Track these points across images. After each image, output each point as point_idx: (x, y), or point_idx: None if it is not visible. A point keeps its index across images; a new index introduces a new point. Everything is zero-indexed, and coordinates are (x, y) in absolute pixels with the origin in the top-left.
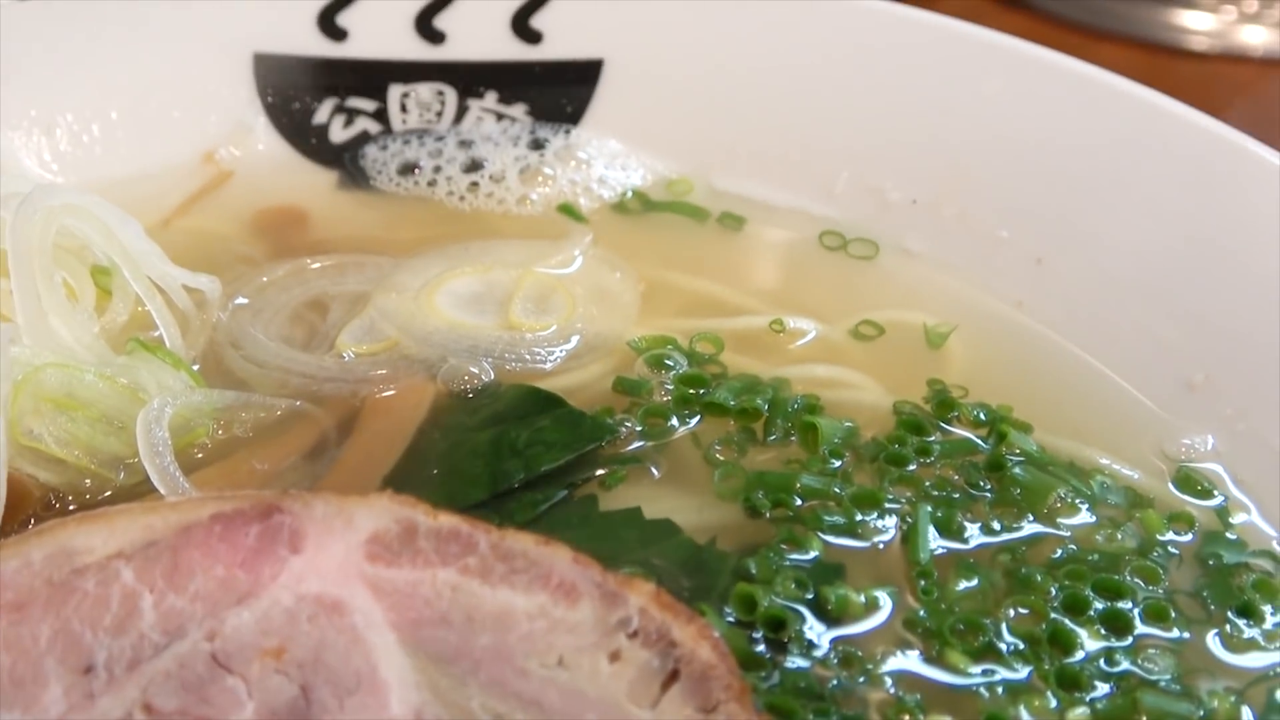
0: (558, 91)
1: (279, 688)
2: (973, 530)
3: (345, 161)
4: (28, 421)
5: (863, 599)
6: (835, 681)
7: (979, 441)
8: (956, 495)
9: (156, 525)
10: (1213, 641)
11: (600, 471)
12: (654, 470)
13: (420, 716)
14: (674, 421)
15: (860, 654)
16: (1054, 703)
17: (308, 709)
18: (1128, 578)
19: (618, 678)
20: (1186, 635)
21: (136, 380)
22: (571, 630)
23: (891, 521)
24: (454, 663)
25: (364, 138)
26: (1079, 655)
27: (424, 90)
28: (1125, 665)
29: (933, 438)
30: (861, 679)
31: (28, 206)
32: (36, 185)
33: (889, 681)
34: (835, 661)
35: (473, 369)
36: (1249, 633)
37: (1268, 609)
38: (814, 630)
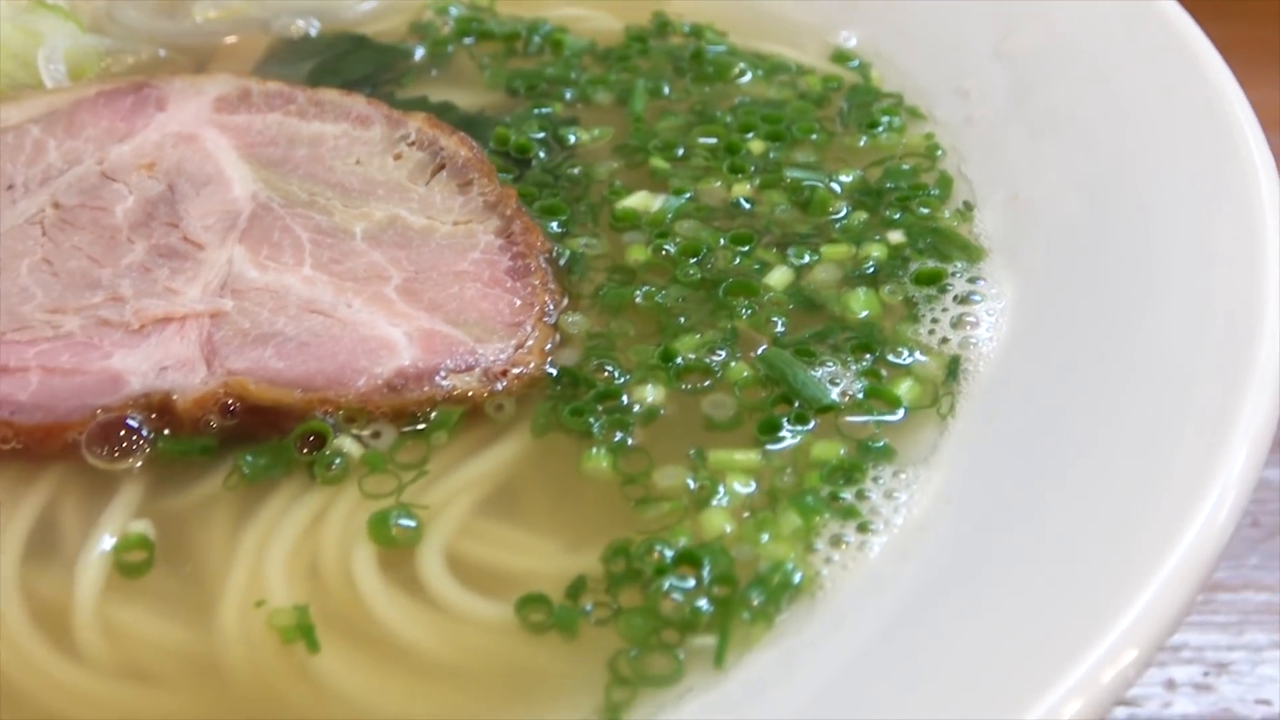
0: None
1: (151, 186)
2: (673, 91)
3: None
4: None
5: (589, 135)
6: (566, 176)
7: (690, 42)
8: (664, 77)
9: (57, 101)
10: (844, 142)
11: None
12: (434, 72)
13: (255, 196)
14: (450, 49)
15: (585, 164)
16: (718, 182)
17: (173, 196)
18: (786, 111)
19: (399, 169)
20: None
21: (37, 28)
22: (366, 143)
23: (613, 93)
24: (280, 166)
25: None
26: (744, 153)
27: None
28: (776, 156)
29: (652, 44)
30: (580, 172)
31: None
32: None
33: (605, 175)
34: (567, 169)
35: (300, 23)
36: (871, 135)
37: (885, 119)
38: (551, 153)
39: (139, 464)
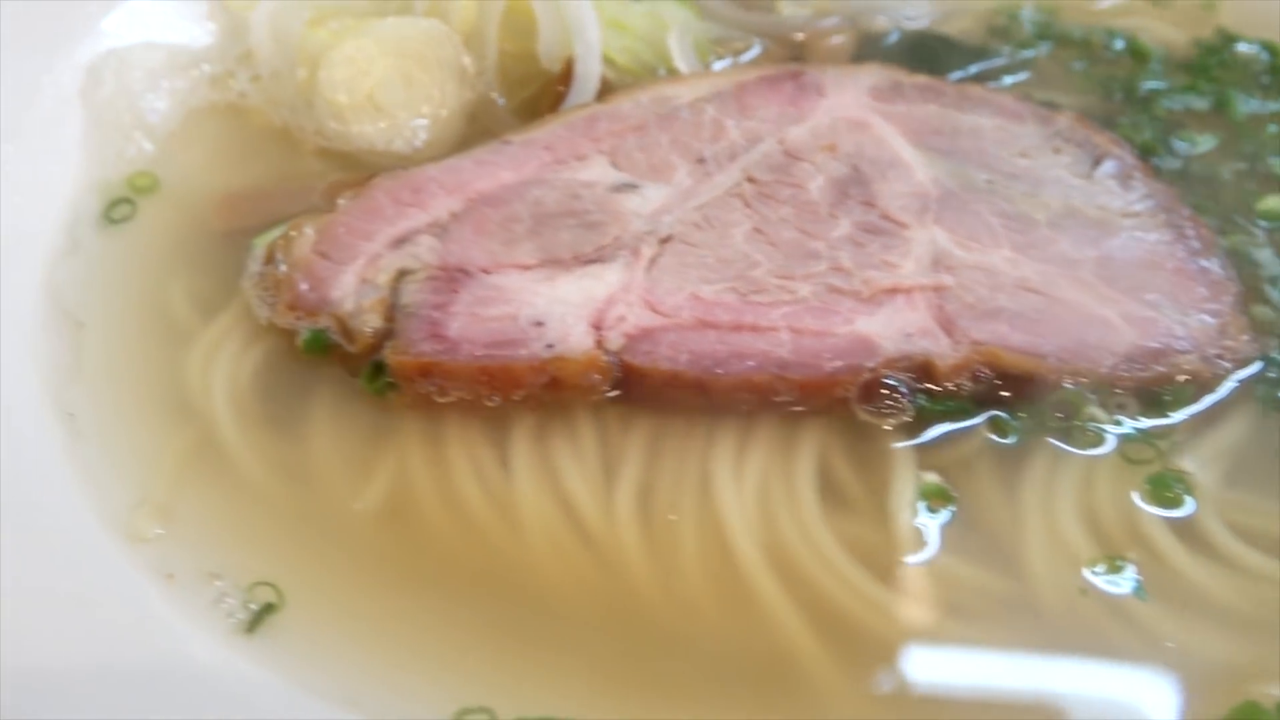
0: None
1: (836, 167)
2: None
3: None
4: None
5: (1200, 139)
6: (1194, 176)
7: (1261, 55)
8: (1249, 86)
9: (719, 83)
10: None
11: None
12: (1025, 74)
13: (938, 180)
14: (1031, 52)
15: (1207, 165)
16: None
17: (860, 177)
18: None
19: (1059, 162)
20: None
21: (661, 14)
22: (1024, 137)
23: (1205, 100)
24: (949, 154)
25: None
26: None
27: None
28: None
29: (1225, 54)
30: (1205, 172)
31: None
32: None
33: (1229, 176)
34: (1193, 170)
35: (881, 19)
36: None
37: None
38: (1171, 155)
39: (899, 421)
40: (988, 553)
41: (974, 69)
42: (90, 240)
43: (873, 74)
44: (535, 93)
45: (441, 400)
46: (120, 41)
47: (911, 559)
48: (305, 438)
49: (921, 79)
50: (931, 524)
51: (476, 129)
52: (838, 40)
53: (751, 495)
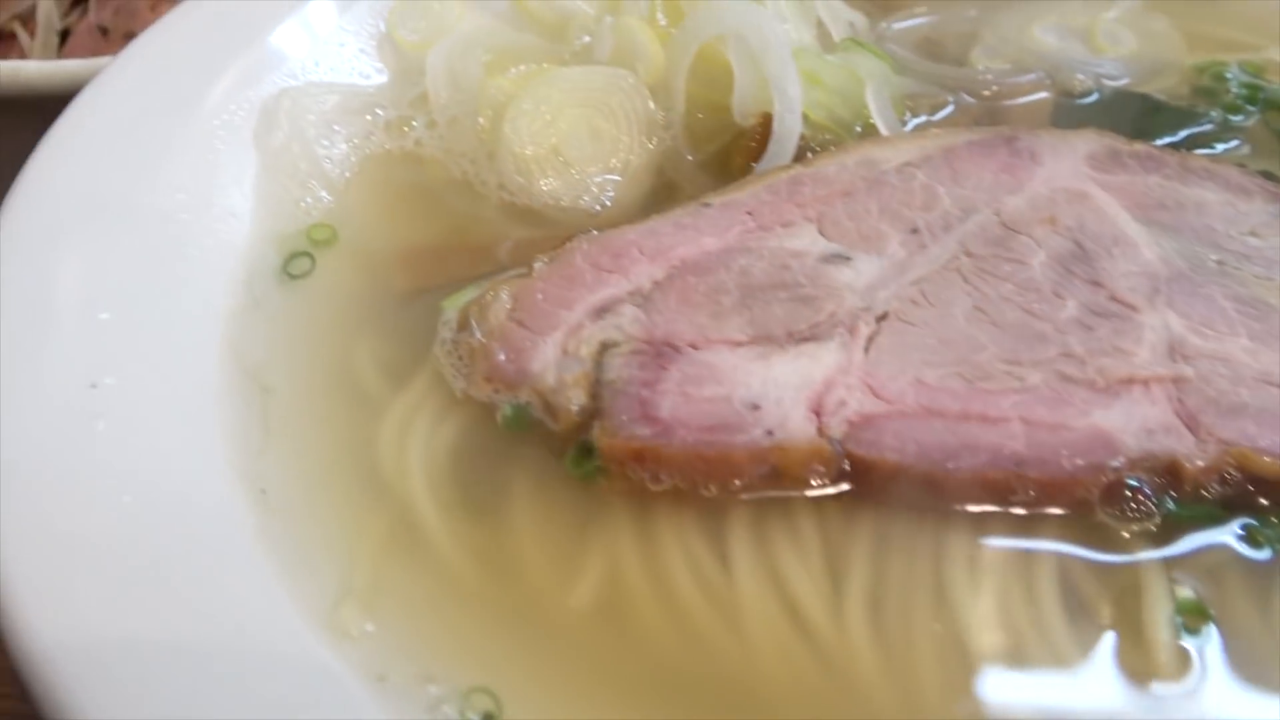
0: None
1: (1058, 243)
2: None
3: None
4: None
5: None
6: None
7: None
8: None
9: (927, 146)
10: None
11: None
12: (1237, 142)
13: (1166, 259)
14: (1241, 118)
15: None
16: None
17: (1084, 254)
18: None
19: None
20: None
21: (855, 67)
22: (1253, 214)
23: None
24: (1174, 231)
25: None
26: None
27: None
28: None
29: None
30: None
31: None
32: None
33: None
34: None
35: (1080, 75)
36: None
37: None
38: None
39: (1143, 527)
40: (1248, 679)
41: (1183, 133)
42: (270, 297)
43: (1089, 140)
44: (723, 147)
45: (655, 488)
46: (291, 80)
47: (1174, 682)
48: (510, 527)
49: (1140, 147)
50: (1190, 644)
51: (663, 184)
52: (1036, 98)
53: (991, 605)
